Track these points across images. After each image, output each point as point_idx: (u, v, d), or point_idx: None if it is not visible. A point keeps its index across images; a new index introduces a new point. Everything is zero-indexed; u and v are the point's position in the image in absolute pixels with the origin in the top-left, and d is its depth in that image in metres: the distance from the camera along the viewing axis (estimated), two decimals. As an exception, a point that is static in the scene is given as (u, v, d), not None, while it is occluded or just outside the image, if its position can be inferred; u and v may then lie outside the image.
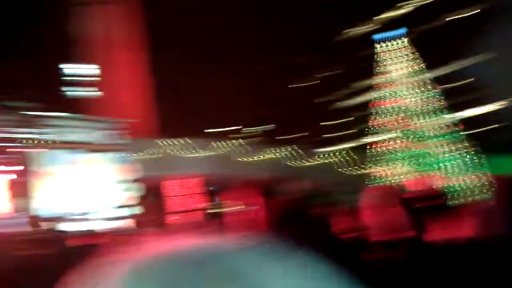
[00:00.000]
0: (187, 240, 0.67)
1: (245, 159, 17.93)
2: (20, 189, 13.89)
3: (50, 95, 15.26)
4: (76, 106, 17.88)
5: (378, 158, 20.77)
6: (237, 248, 0.65)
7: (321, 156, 20.55)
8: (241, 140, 19.35)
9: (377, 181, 19.79)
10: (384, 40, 22.14)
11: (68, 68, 19.37)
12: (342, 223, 2.61)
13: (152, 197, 17.90)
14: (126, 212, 13.26)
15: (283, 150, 19.34)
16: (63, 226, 11.70)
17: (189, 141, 16.98)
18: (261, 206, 2.37)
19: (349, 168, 20.51)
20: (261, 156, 18.30)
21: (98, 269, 0.62)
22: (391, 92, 21.57)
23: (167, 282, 0.58)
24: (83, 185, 13.22)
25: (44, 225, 9.39)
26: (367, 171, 20.54)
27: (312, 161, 19.93)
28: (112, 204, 13.46)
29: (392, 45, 22.02)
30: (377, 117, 21.32)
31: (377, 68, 21.99)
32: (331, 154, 20.72)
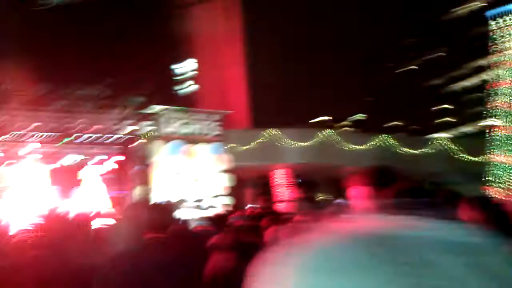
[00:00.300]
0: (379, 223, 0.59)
1: (350, 148, 17.53)
2: (138, 179, 15.02)
3: (162, 91, 16.15)
4: (185, 101, 18.77)
5: (497, 143, 19.21)
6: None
7: (434, 142, 19.45)
8: (346, 129, 18.99)
9: (496, 169, 18.32)
10: (498, 15, 20.35)
11: (177, 66, 20.39)
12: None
13: (255, 187, 18.31)
14: (225, 200, 13.78)
15: (391, 137, 18.58)
16: (178, 214, 12.53)
17: (291, 131, 17.00)
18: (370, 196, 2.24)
19: (465, 155, 19.21)
20: (367, 144, 17.76)
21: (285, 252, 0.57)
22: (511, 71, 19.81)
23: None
24: (192, 174, 14.00)
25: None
26: (486, 158, 19.07)
27: (424, 148, 18.95)
28: (214, 193, 14.07)
29: (510, 19, 20.18)
30: (495, 99, 19.72)
31: (493, 46, 20.31)
32: (445, 140, 19.54)
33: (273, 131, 16.55)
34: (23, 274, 2.30)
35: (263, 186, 17.79)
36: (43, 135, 15.27)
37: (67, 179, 18.68)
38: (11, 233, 4.73)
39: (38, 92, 13.60)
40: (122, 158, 16.93)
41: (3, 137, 14.73)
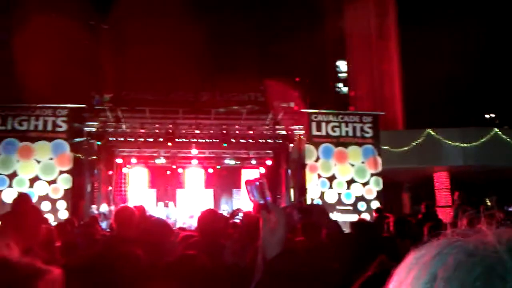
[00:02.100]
0: None
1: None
2: (291, 182, 15.21)
3: (314, 94, 16.15)
4: (337, 103, 18.53)
5: None
6: None
7: None
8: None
9: None
10: None
11: (329, 68, 20.28)
12: None
13: (410, 191, 17.25)
14: (377, 204, 13.22)
15: None
16: (333, 216, 12.40)
17: (451, 131, 15.67)
18: None
19: None
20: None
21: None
22: None
23: None
24: (344, 178, 13.75)
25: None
26: None
27: None
28: (367, 197, 13.63)
29: None
30: None
31: None
32: None
33: (431, 132, 15.45)
34: (177, 271, 2.33)
35: (421, 190, 16.75)
36: (203, 141, 16.30)
37: (226, 181, 19.78)
38: (174, 229, 4.97)
39: (199, 100, 14.52)
40: (277, 161, 17.31)
41: (168, 143, 16.04)
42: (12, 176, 12.71)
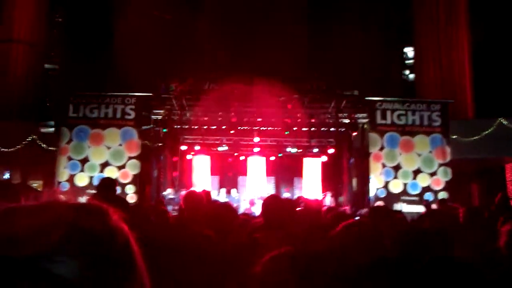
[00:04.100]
0: None
1: None
2: (355, 171, 14.98)
3: (378, 81, 15.76)
4: (403, 90, 17.98)
5: None
6: None
7: None
8: None
9: None
10: None
11: (395, 55, 19.69)
12: None
13: (480, 182, 16.49)
14: (445, 195, 12.76)
15: None
16: (398, 207, 12.14)
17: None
18: None
19: None
20: None
21: None
22: None
23: None
24: (410, 167, 13.38)
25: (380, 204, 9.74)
26: None
27: None
28: (434, 187, 13.19)
29: None
30: None
31: None
32: None
33: (503, 121, 14.67)
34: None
35: (491, 182, 15.99)
36: (265, 128, 16.38)
37: (287, 169, 19.80)
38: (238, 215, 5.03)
39: (261, 90, 14.58)
40: (339, 150, 17.10)
41: (231, 132, 16.25)
42: (84, 161, 13.35)
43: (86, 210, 0.68)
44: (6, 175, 12.52)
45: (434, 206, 12.14)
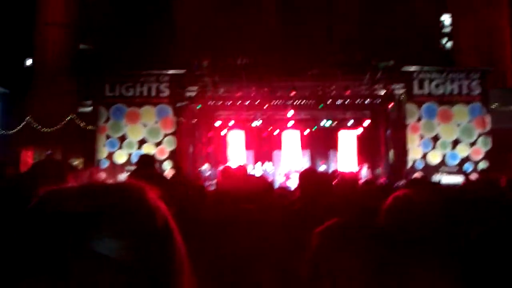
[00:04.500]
0: None
1: None
2: (392, 143, 14.75)
3: (415, 50, 15.31)
4: (441, 59, 17.45)
5: None
6: None
7: None
8: None
9: None
10: None
11: (432, 22, 19.06)
12: None
13: None
14: (484, 166, 12.47)
15: None
16: (436, 178, 11.93)
17: None
18: None
19: None
20: None
21: None
22: None
23: None
24: (449, 138, 13.11)
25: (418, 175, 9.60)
26: None
27: None
28: (473, 158, 12.92)
29: None
30: None
31: None
32: None
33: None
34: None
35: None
36: (299, 102, 16.26)
37: (322, 143, 19.70)
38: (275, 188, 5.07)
39: (295, 63, 14.43)
40: (375, 121, 16.85)
41: (265, 106, 16.21)
42: (122, 139, 13.64)
43: (125, 190, 0.70)
44: (49, 153, 12.94)
45: (473, 176, 11.88)
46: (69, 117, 14.73)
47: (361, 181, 5.70)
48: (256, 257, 2.33)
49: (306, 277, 2.12)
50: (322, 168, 17.28)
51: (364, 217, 2.07)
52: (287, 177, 15.74)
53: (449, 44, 19.39)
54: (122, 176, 12.77)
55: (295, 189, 5.44)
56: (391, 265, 1.73)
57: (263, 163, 17.54)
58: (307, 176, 4.19)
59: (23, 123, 14.68)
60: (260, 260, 2.33)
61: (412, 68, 13.53)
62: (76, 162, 14.06)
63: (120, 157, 13.50)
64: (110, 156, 13.55)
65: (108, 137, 13.67)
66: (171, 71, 13.89)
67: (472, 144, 13.00)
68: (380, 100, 15.43)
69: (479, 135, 13.01)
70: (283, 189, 7.84)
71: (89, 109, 15.09)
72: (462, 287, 1.35)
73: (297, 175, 5.84)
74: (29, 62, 18.09)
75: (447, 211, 2.25)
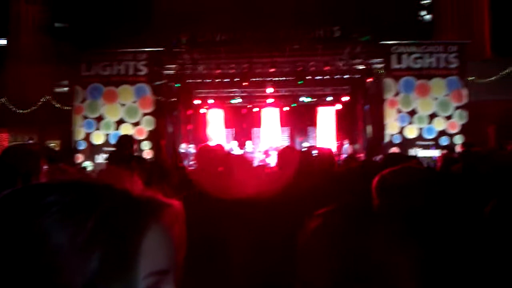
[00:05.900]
0: None
1: None
2: (370, 118, 14.85)
3: (392, 25, 15.28)
4: (418, 33, 17.46)
5: None
6: None
7: None
8: None
9: None
10: None
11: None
12: None
13: (498, 125, 16.27)
14: (462, 139, 12.66)
15: None
16: (413, 152, 12.08)
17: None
18: None
19: None
20: None
21: None
22: None
23: None
24: (426, 111, 13.23)
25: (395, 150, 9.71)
26: None
27: None
28: (450, 131, 13.09)
29: None
30: None
31: None
32: None
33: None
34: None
35: (509, 125, 15.75)
36: (278, 79, 16.19)
37: (302, 119, 19.75)
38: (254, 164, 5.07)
39: (274, 39, 14.30)
40: (354, 97, 16.91)
41: (244, 83, 16.10)
42: (99, 119, 13.45)
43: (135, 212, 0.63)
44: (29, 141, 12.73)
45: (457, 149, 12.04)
46: (45, 98, 14.45)
47: (343, 157, 5.73)
48: (241, 238, 2.35)
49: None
50: (304, 145, 17.34)
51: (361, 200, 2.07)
52: (267, 154, 15.79)
53: (428, 17, 19.41)
54: (100, 158, 12.65)
55: (274, 167, 5.46)
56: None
57: (242, 141, 17.53)
58: (285, 154, 4.20)
59: (-3, 105, 14.37)
60: (245, 240, 2.35)
61: (390, 42, 13.54)
62: (53, 144, 13.86)
63: (98, 138, 13.34)
64: (87, 137, 13.38)
65: (85, 117, 13.47)
66: (149, 49, 13.67)
67: (448, 117, 13.16)
68: (359, 75, 15.46)
69: (456, 108, 13.17)
70: (263, 167, 7.86)
71: (65, 89, 14.82)
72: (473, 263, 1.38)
73: (276, 152, 5.86)
74: (2, 41, 17.61)
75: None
